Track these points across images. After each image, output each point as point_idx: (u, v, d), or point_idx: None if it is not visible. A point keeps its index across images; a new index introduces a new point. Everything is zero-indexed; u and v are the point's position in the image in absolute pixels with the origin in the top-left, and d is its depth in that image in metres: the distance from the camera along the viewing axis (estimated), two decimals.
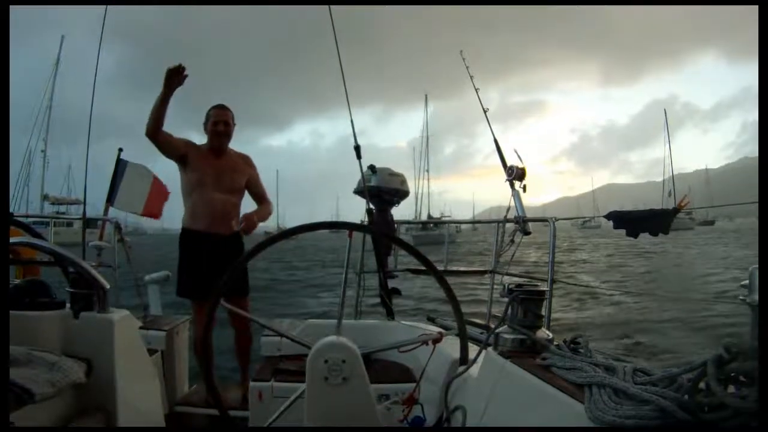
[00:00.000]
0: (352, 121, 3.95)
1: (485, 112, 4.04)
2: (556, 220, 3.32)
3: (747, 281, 1.06)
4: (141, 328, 3.56)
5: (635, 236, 2.65)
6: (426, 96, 77.96)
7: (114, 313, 2.30)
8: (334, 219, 4.08)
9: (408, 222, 4.69)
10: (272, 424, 2.31)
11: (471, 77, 4.15)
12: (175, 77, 3.23)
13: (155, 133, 3.38)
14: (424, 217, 60.46)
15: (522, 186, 3.48)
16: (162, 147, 3.48)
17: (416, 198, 72.29)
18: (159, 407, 2.71)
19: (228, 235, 3.65)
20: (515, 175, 3.47)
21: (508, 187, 3.48)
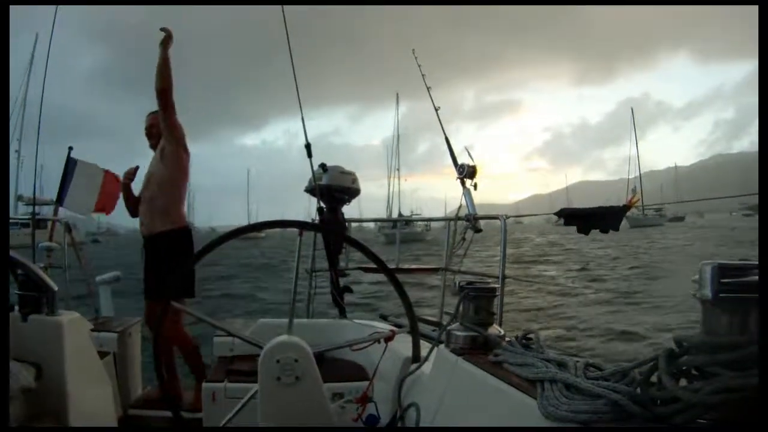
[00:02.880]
0: (303, 120, 3.91)
1: (437, 110, 4.06)
2: (507, 217, 3.34)
3: (698, 276, 1.06)
4: (92, 330, 3.47)
5: (586, 233, 2.69)
6: (397, 95, 77.98)
7: (63, 316, 2.23)
8: (306, 219, 4.02)
9: (357, 220, 4.65)
10: (226, 425, 2.27)
11: (423, 76, 4.16)
12: (170, 39, 3.58)
13: (170, 86, 3.62)
14: (395, 215, 60.32)
15: (473, 184, 3.49)
16: (172, 109, 3.65)
17: (388, 196, 73.74)
18: (111, 410, 2.64)
19: (152, 235, 3.66)
20: (466, 173, 3.48)
21: (471, 185, 3.49)
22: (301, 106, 3.84)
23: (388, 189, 73.67)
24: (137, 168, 3.86)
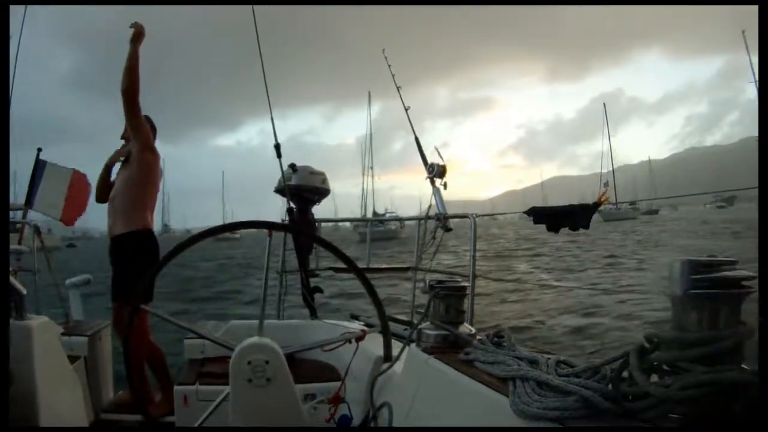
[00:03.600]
0: (272, 120, 3.88)
1: (407, 110, 4.05)
2: (477, 216, 3.34)
3: (668, 273, 1.07)
4: (63, 334, 3.39)
5: (556, 231, 2.70)
6: (369, 93, 77.53)
7: (32, 320, 2.18)
8: (280, 220, 3.98)
9: (327, 220, 4.62)
10: (199, 426, 2.25)
11: (393, 75, 4.15)
12: (141, 36, 3.49)
13: (137, 86, 3.49)
14: (369, 214, 60.22)
15: (443, 183, 3.50)
16: (137, 109, 3.54)
17: (362, 195, 73.28)
18: (83, 415, 2.59)
19: (118, 235, 3.58)
20: (436, 172, 3.49)
21: (441, 184, 3.49)
22: (270, 107, 3.80)
23: (363, 188, 73.67)
24: (128, 151, 3.71)
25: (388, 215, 55.40)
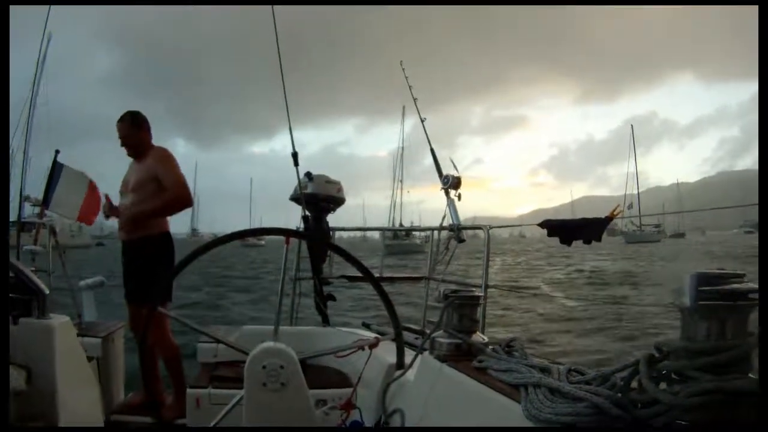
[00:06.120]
0: (290, 129, 3.90)
1: (423, 121, 4.11)
2: (490, 228, 3.38)
3: (678, 286, 1.10)
4: (76, 335, 3.44)
5: (569, 244, 2.73)
6: (404, 107, 77.84)
7: (54, 319, 2.22)
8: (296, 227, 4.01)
9: (341, 229, 4.64)
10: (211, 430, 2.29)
11: (410, 87, 4.21)
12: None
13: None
14: (398, 225, 60.84)
15: (457, 194, 3.54)
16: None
17: (391, 207, 73.78)
18: (99, 413, 2.62)
19: (130, 240, 3.64)
20: (450, 183, 3.52)
21: (455, 195, 3.53)
22: (288, 116, 3.83)
23: (392, 200, 74.44)
24: (110, 201, 3.83)
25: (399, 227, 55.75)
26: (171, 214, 3.69)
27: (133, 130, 3.75)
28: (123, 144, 3.78)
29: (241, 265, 30.55)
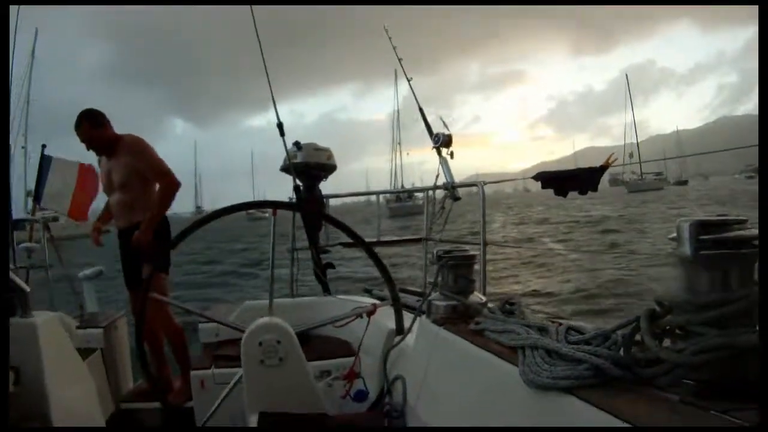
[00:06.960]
0: (273, 101, 3.82)
1: (409, 81, 4.01)
2: (485, 184, 3.30)
3: (675, 234, 1.03)
4: (78, 327, 3.41)
5: (564, 195, 2.66)
6: (395, 71, 77.55)
7: (38, 317, 2.18)
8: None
9: (334, 196, 4.58)
10: (216, 411, 2.30)
11: (394, 48, 4.09)
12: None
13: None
14: (399, 188, 61.78)
15: (449, 153, 3.46)
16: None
17: (392, 170, 75.10)
18: (97, 408, 2.60)
19: (125, 228, 3.60)
20: (441, 142, 3.44)
21: (447, 153, 3.45)
22: (270, 86, 3.73)
23: (392, 163, 75.49)
24: (98, 230, 3.79)
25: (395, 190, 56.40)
26: (171, 203, 3.62)
27: (96, 131, 3.62)
28: (89, 147, 3.69)
29: (251, 237, 30.76)
